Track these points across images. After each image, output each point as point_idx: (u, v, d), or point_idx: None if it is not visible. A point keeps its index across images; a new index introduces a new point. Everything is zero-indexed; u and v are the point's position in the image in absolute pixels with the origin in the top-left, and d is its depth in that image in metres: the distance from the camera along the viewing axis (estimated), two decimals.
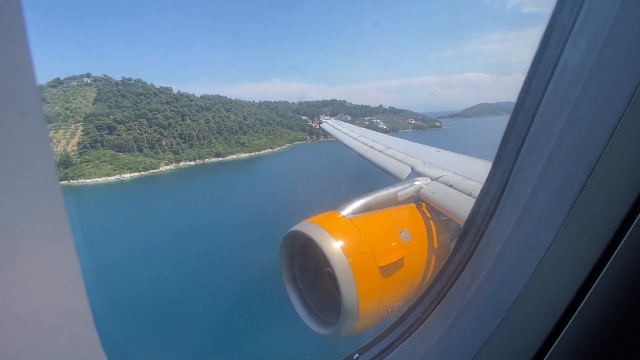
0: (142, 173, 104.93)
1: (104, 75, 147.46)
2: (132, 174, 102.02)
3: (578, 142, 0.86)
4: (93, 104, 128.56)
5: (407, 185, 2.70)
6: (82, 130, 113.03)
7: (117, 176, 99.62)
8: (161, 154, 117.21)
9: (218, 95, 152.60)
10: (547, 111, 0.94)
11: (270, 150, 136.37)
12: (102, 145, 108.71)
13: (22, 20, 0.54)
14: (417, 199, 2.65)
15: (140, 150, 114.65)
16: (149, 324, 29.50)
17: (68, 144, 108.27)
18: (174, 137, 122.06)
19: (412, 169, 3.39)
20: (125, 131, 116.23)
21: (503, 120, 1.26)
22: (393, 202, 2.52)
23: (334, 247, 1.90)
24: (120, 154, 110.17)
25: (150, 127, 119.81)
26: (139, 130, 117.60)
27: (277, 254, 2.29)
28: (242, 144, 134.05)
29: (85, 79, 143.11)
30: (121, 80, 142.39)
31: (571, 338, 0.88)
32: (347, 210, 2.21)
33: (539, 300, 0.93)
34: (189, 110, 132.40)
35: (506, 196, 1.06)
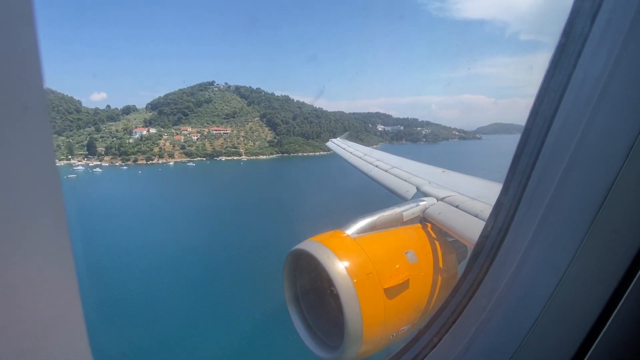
0: (328, 152, 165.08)
1: (225, 83, 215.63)
2: (322, 153, 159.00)
3: (595, 157, 0.83)
4: (248, 106, 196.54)
5: (412, 205, 2.67)
6: (266, 123, 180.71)
7: (318, 153, 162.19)
8: (321, 143, 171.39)
9: (304, 102, 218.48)
10: (561, 126, 0.92)
11: (376, 146, 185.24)
12: (293, 134, 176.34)
13: (31, 15, 0.53)
14: (423, 219, 2.62)
15: (313, 139, 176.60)
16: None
17: (264, 132, 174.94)
18: (326, 132, 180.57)
19: (418, 188, 3.37)
20: (297, 126, 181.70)
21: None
22: (398, 222, 2.49)
23: (338, 267, 1.86)
24: (305, 140, 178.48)
25: (309, 123, 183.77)
26: (303, 126, 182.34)
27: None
28: (361, 140, 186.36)
29: (221, 85, 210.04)
30: (247, 87, 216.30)
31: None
32: (352, 229, 2.18)
33: (559, 323, 0.89)
34: (321, 113, 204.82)
35: (520, 213, 1.02)
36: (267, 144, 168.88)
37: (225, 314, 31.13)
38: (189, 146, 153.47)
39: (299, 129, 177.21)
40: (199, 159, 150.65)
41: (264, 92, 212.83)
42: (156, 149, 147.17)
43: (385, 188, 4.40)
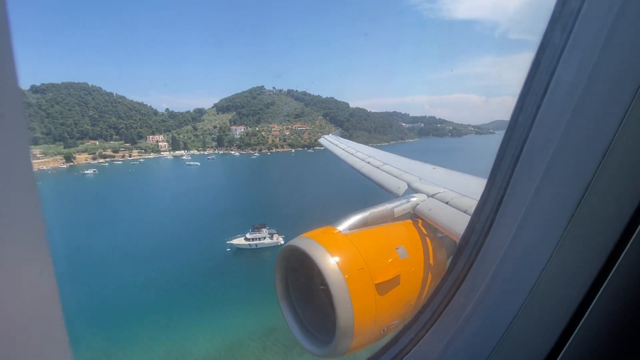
0: (390, 143, 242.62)
1: (273, 87, 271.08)
2: (386, 143, 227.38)
3: (574, 155, 0.86)
4: (306, 107, 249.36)
5: (403, 201, 2.70)
6: (329, 121, 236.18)
7: (383, 143, 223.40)
8: (380, 136, 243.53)
9: (347, 103, 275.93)
10: (543, 123, 0.95)
11: (414, 140, 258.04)
12: (359, 129, 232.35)
13: (6, 21, 0.53)
14: (414, 216, 2.65)
15: (371, 132, 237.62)
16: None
17: (331, 129, 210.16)
18: (379, 127, 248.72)
19: (409, 185, 3.40)
20: (356, 122, 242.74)
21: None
22: (389, 218, 2.51)
23: (330, 263, 1.88)
24: (369, 133, 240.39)
25: (365, 120, 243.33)
26: (362, 122, 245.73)
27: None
28: (406, 134, 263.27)
29: (271, 89, 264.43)
30: (294, 90, 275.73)
31: (573, 354, 0.86)
32: (344, 225, 2.19)
33: (538, 316, 0.92)
34: (365, 112, 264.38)
35: (502, 211, 1.05)
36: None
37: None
38: (288, 139, 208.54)
39: (359, 125, 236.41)
40: (299, 148, 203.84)
41: (311, 94, 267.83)
42: (270, 141, 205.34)
43: (377, 184, 4.42)
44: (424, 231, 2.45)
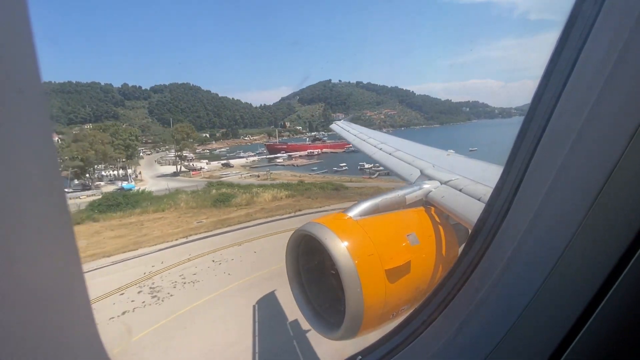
0: (465, 122, 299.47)
1: (339, 80, 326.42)
2: (461, 123, 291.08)
3: (597, 143, 0.82)
4: (379, 96, 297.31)
5: (415, 188, 2.67)
6: (406, 106, 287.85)
7: (459, 123, 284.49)
8: (453, 117, 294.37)
9: (413, 92, 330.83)
10: (565, 110, 0.91)
11: (473, 121, 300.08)
12: (434, 112, 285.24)
13: (27, 16, 0.53)
14: (426, 203, 2.62)
15: (449, 114, 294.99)
16: None
17: (410, 113, 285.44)
18: (447, 109, 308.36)
19: (421, 172, 3.36)
20: (430, 106, 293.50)
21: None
22: (401, 204, 2.50)
23: (341, 248, 1.89)
24: (445, 115, 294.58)
25: (436, 104, 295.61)
26: (435, 106, 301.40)
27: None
28: (469, 116, 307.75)
29: (339, 81, 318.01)
30: (361, 82, 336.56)
31: (584, 347, 0.85)
32: (355, 211, 2.20)
33: (552, 305, 0.91)
34: (431, 98, 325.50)
35: (519, 197, 1.02)
36: (422, 119, 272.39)
37: None
38: (387, 121, 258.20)
39: (433, 108, 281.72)
40: (398, 128, 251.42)
41: (376, 84, 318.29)
42: (378, 123, 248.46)
43: (389, 171, 4.38)
44: (436, 218, 2.43)
